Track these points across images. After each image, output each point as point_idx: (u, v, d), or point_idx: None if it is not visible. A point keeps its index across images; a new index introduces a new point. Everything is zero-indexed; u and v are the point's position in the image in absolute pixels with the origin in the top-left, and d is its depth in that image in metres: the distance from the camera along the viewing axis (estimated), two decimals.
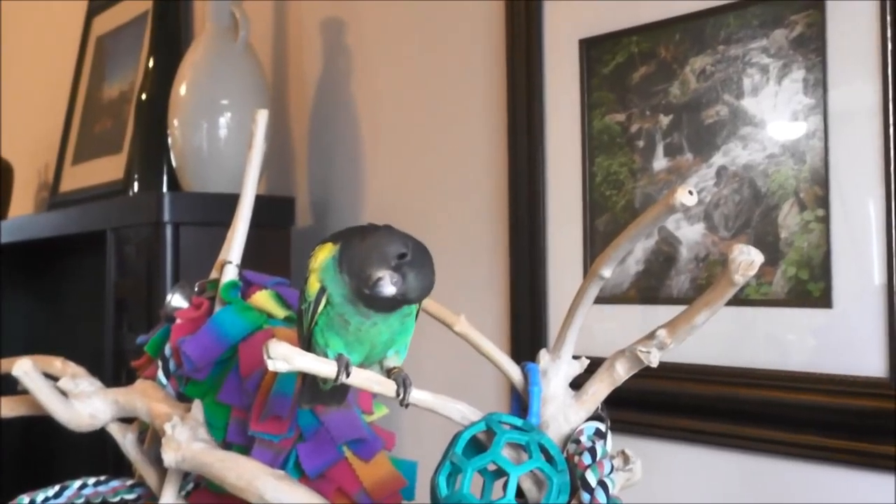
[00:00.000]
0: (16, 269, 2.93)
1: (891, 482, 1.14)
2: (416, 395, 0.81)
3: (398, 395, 0.80)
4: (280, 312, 1.10)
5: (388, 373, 0.84)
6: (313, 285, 0.84)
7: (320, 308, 0.83)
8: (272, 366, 0.77)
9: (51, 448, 2.77)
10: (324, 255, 0.84)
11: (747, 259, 0.73)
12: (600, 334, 1.40)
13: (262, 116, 1.11)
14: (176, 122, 2.02)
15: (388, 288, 0.78)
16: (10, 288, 2.95)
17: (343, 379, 0.81)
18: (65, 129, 2.85)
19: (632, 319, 1.40)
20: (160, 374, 1.09)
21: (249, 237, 1.14)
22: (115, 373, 1.97)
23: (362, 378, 0.81)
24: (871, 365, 1.16)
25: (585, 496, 0.79)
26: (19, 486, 1.18)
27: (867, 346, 1.16)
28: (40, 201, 3.13)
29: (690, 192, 0.72)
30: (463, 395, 0.86)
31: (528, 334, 1.54)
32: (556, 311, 1.50)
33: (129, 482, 1.11)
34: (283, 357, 0.78)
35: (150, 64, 2.31)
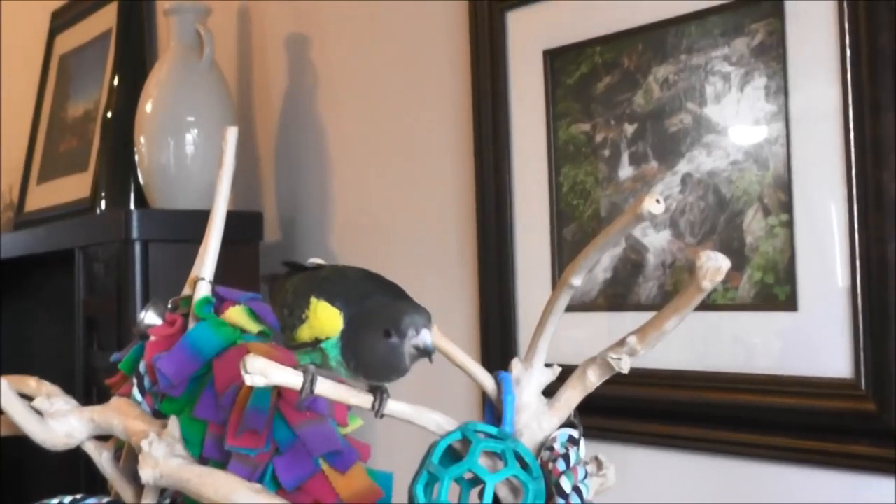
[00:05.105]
0: None
1: (859, 481, 1.16)
2: (393, 406, 0.82)
3: (374, 406, 0.81)
4: (253, 328, 1.10)
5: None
6: (304, 334, 0.82)
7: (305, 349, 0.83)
8: (249, 380, 0.78)
9: (22, 467, 2.75)
10: (328, 324, 0.81)
11: (714, 265, 0.74)
12: (569, 342, 1.40)
13: (232, 134, 1.11)
14: (142, 140, 2.02)
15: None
16: None
17: (307, 394, 0.81)
18: (29, 149, 2.83)
19: (600, 327, 1.41)
20: (135, 391, 1.09)
21: (219, 252, 1.14)
22: (86, 391, 1.97)
23: (339, 391, 0.82)
24: (837, 366, 1.17)
25: (560, 502, 0.80)
26: None
27: (833, 348, 1.18)
28: (6, 221, 3.11)
29: (658, 201, 0.73)
30: (435, 405, 0.87)
31: (498, 343, 1.55)
32: (526, 320, 1.51)
33: (105, 500, 1.11)
34: (261, 371, 0.78)
35: (115, 82, 2.31)
